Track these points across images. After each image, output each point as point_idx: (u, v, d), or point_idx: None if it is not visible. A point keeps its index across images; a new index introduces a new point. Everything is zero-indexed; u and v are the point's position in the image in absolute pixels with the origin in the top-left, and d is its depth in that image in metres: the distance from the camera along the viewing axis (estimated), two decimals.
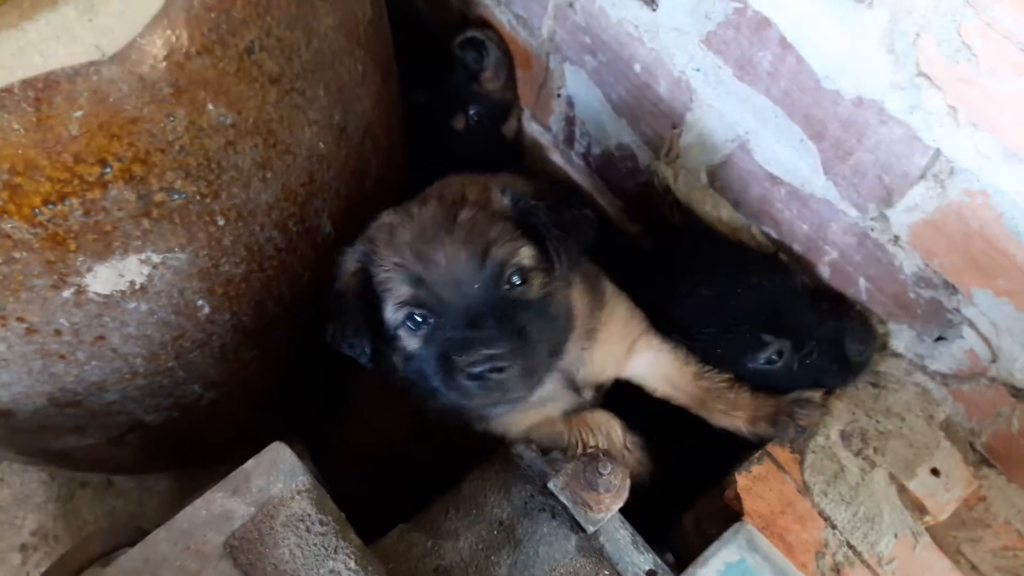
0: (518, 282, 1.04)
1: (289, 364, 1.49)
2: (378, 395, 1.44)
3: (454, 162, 1.71)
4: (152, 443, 1.45)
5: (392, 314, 1.05)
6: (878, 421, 1.33)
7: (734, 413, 1.26)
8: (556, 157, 1.77)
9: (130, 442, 1.42)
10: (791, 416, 1.22)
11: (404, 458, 1.40)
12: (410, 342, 1.07)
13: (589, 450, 1.09)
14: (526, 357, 1.00)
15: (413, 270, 1.02)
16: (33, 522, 1.77)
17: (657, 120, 1.41)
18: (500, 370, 0.99)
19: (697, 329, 1.33)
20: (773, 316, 1.30)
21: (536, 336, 1.02)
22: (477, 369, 0.98)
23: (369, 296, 1.08)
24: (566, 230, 1.06)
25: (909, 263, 1.19)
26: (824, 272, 1.34)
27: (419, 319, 1.05)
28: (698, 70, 1.27)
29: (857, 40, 1.01)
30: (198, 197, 1.03)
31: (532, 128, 1.79)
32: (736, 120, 1.28)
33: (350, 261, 1.10)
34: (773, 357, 1.30)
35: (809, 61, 1.09)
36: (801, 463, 1.30)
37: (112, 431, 1.36)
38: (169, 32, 0.88)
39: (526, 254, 1.04)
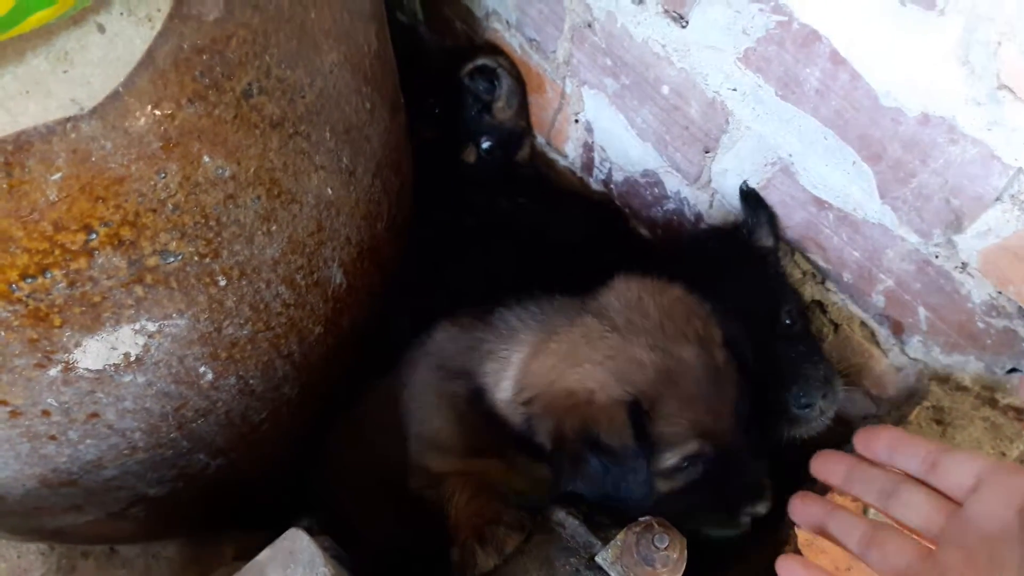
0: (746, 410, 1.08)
1: (302, 421, 1.39)
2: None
3: (464, 195, 1.63)
4: (156, 515, 1.35)
5: (667, 462, 1.02)
6: None
7: None
8: (575, 183, 1.67)
9: (133, 516, 1.31)
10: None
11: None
12: (664, 485, 1.05)
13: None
14: None
15: (705, 424, 1.01)
16: None
17: (688, 145, 1.31)
18: None
19: None
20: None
21: None
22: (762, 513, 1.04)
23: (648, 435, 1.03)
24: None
25: (979, 291, 1.08)
26: (878, 301, 1.23)
27: (688, 465, 1.03)
28: (735, 90, 1.17)
29: (925, 52, 0.91)
30: (196, 258, 0.93)
31: (547, 154, 1.69)
32: (778, 143, 1.17)
33: (619, 411, 1.00)
34: None
35: (866, 77, 0.99)
36: (866, 511, 1.19)
37: (112, 507, 1.25)
38: (156, 79, 0.78)
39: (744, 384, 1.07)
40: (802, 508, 0.89)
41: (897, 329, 1.24)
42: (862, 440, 0.85)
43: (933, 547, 0.76)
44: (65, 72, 0.72)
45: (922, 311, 1.18)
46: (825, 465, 0.90)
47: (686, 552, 0.97)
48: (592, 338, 1.03)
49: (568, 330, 1.06)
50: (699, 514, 1.06)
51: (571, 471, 1.02)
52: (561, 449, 1.02)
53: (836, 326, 1.33)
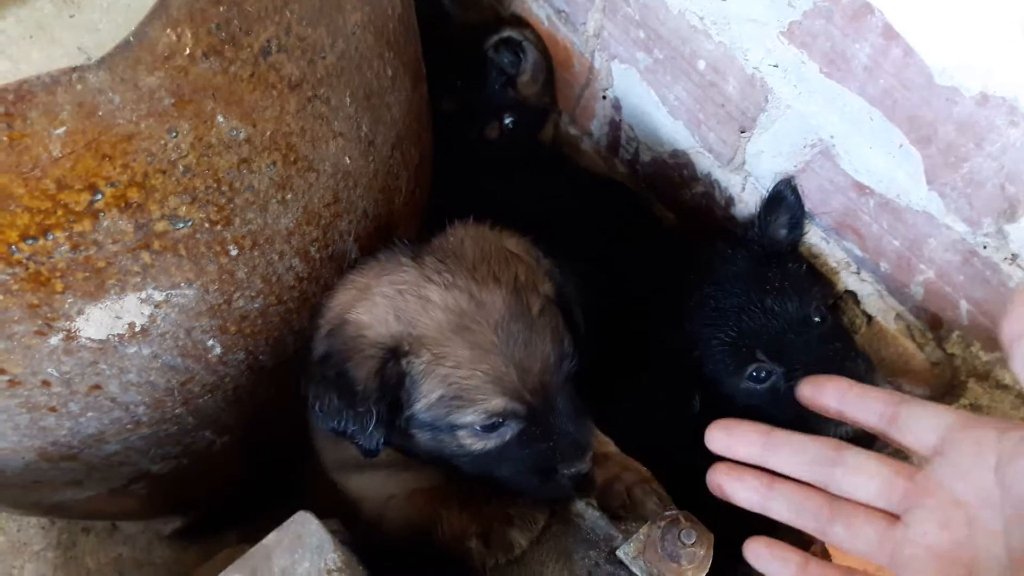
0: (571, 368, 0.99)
1: None
2: None
3: (485, 172, 1.58)
4: (159, 491, 1.31)
5: (466, 418, 0.94)
6: None
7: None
8: (598, 163, 1.62)
9: (135, 492, 1.27)
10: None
11: None
12: (476, 443, 0.98)
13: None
14: None
15: (507, 381, 0.92)
16: (32, 572, 1.62)
17: (722, 124, 1.25)
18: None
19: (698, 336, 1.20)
20: (779, 336, 1.15)
21: None
22: (583, 472, 0.98)
23: (395, 386, 0.95)
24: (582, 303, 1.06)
25: None
26: (916, 293, 1.18)
27: (494, 426, 0.96)
28: (776, 66, 1.11)
29: (990, 26, 0.85)
30: (207, 225, 0.88)
31: (571, 132, 1.63)
32: (819, 123, 1.11)
33: (376, 352, 0.93)
34: (761, 376, 1.16)
35: (920, 53, 0.93)
36: None
37: (114, 482, 1.21)
38: (169, 30, 0.73)
39: (571, 341, 0.99)
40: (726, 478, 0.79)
41: (935, 323, 1.19)
42: (808, 393, 0.77)
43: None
44: (72, 17, 0.67)
45: (964, 304, 1.12)
46: (729, 435, 0.78)
47: (712, 550, 0.93)
48: (391, 271, 0.98)
49: (374, 265, 1.01)
50: (515, 476, 1.00)
51: (313, 394, 0.95)
52: (315, 370, 0.96)
53: (869, 318, 1.28)
